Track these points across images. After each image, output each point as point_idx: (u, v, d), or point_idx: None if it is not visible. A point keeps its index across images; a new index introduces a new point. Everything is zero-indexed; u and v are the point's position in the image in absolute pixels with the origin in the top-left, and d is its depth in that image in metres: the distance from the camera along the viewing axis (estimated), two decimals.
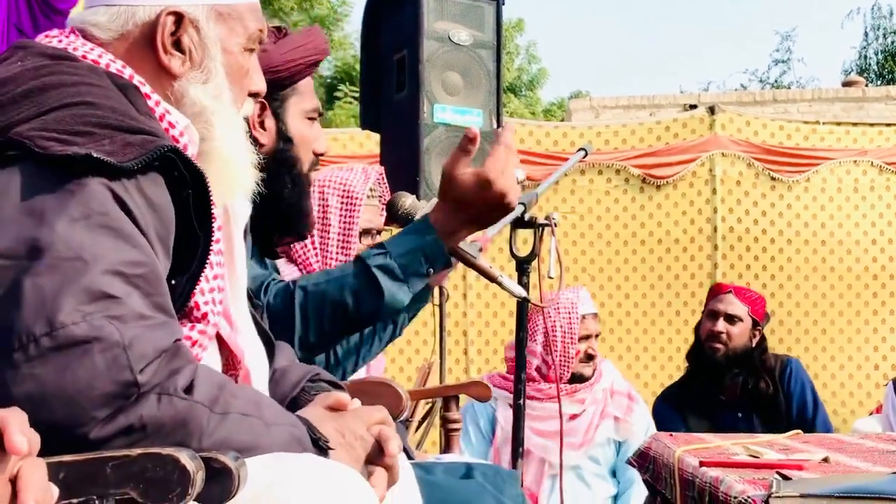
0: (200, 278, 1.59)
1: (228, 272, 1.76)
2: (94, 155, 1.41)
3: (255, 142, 2.42)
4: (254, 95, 1.82)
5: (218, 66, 1.70)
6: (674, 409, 4.97)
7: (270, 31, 2.47)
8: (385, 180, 3.53)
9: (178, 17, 1.67)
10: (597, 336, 4.47)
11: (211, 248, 1.58)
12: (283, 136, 2.49)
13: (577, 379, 4.34)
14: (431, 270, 2.29)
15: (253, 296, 1.95)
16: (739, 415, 4.81)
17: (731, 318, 4.87)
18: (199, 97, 1.68)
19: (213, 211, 1.57)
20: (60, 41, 1.67)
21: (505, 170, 2.31)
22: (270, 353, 1.91)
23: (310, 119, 2.54)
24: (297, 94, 2.51)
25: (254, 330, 1.84)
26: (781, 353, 5.25)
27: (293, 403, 1.84)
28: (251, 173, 1.76)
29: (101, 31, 1.68)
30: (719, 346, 4.84)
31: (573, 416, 4.28)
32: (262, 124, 2.48)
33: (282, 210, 2.43)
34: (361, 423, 1.66)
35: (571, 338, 4.40)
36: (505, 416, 4.38)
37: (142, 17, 1.67)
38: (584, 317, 4.45)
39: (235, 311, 1.77)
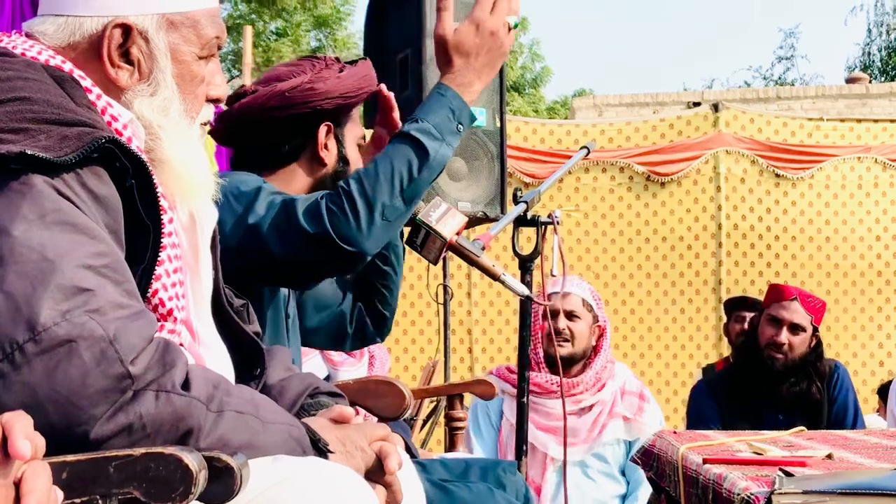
0: (159, 272, 1.56)
1: (192, 279, 1.73)
2: (29, 152, 1.38)
3: (321, 162, 2.58)
4: (214, 101, 1.77)
5: (167, 77, 1.66)
6: (712, 399, 4.84)
7: (332, 60, 2.61)
8: None
9: (126, 29, 1.63)
10: (571, 316, 4.34)
11: (163, 240, 1.55)
12: (343, 159, 2.60)
13: (565, 363, 4.25)
14: (461, 126, 2.39)
15: (234, 298, 1.93)
16: (781, 417, 4.68)
17: (796, 328, 4.67)
18: (143, 111, 1.64)
19: (160, 202, 1.54)
20: (1, 41, 1.63)
21: (494, 12, 2.42)
22: (254, 358, 1.87)
23: (359, 146, 2.67)
24: (352, 121, 2.64)
25: (218, 340, 1.79)
26: (829, 358, 5.07)
27: None
28: (206, 180, 1.72)
29: (48, 38, 1.64)
30: (779, 356, 4.66)
31: (576, 413, 4.26)
32: (326, 146, 2.58)
33: None
34: (363, 436, 1.65)
35: (535, 316, 4.37)
36: (511, 409, 4.36)
37: (88, 29, 1.63)
38: (549, 295, 4.39)
39: (198, 320, 1.72)
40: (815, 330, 4.72)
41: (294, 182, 2.57)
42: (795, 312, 4.63)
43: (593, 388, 4.28)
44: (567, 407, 4.13)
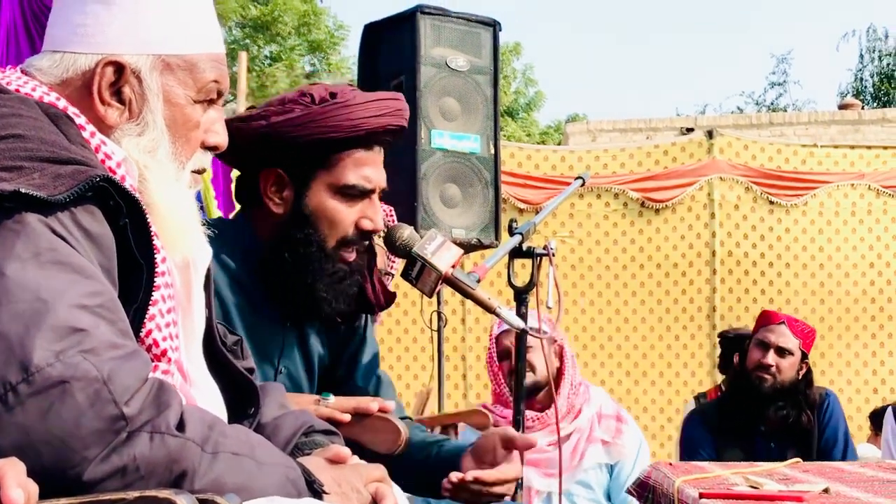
0: (153, 311, 1.55)
1: (184, 319, 1.71)
2: (23, 191, 1.37)
3: (270, 210, 2.35)
4: (212, 149, 1.74)
5: (157, 119, 1.64)
6: (705, 430, 4.88)
7: (327, 95, 2.34)
8: (394, 220, 3.49)
9: (119, 67, 1.62)
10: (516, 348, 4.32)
11: (156, 279, 1.54)
12: (298, 209, 2.37)
13: (531, 392, 4.21)
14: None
15: (227, 336, 1.91)
16: (772, 445, 4.70)
17: (783, 352, 4.71)
18: (131, 150, 1.62)
19: (154, 241, 1.53)
20: None
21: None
22: (248, 396, 1.85)
23: (346, 195, 2.38)
24: (327, 169, 2.37)
25: (210, 380, 1.77)
26: (819, 386, 5.11)
27: None
28: (192, 230, 1.69)
29: (43, 75, 1.63)
30: (767, 377, 4.71)
31: (553, 444, 4.22)
32: (279, 192, 2.38)
33: (290, 286, 2.37)
34: (360, 477, 1.63)
35: (490, 360, 4.38)
36: None
37: (82, 66, 1.62)
38: (498, 337, 4.39)
39: (189, 361, 1.70)
40: (805, 357, 4.75)
41: (260, 224, 2.40)
42: (783, 336, 4.70)
43: (569, 416, 4.25)
44: (544, 438, 4.12)
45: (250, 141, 2.30)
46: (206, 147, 1.73)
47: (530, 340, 4.27)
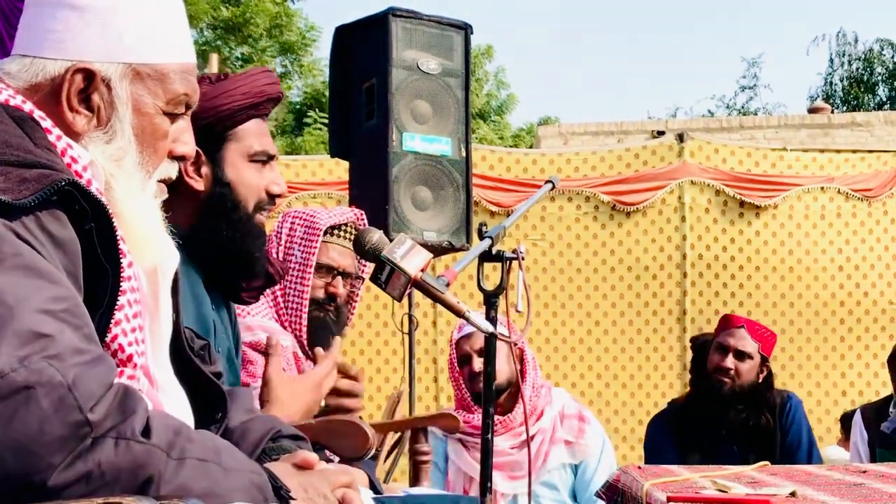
0: (119, 316, 1.55)
1: (152, 324, 1.71)
2: None
3: (190, 189, 2.47)
4: (179, 159, 1.77)
5: (125, 127, 1.64)
6: (668, 433, 4.92)
7: (217, 75, 2.55)
8: (365, 223, 3.51)
9: (89, 75, 1.62)
10: (479, 352, 4.31)
11: (122, 284, 1.53)
12: (218, 181, 2.51)
13: (494, 394, 4.21)
14: None
15: (195, 340, 1.92)
16: (735, 448, 4.75)
17: (742, 355, 4.76)
18: (97, 157, 1.62)
19: (120, 245, 1.53)
20: None
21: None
22: (215, 401, 1.85)
23: (255, 162, 2.54)
24: (239, 138, 2.53)
25: (177, 385, 1.77)
26: (782, 389, 5.17)
27: None
28: (159, 239, 1.70)
29: (11, 79, 1.63)
30: (727, 380, 4.76)
31: (518, 446, 4.23)
32: (198, 171, 2.49)
33: (226, 253, 2.46)
34: (327, 483, 1.63)
35: (451, 366, 4.39)
36: (455, 451, 4.36)
37: (51, 72, 1.62)
38: (458, 342, 4.39)
39: (156, 366, 1.71)
40: (765, 360, 4.81)
41: (179, 211, 2.43)
42: (742, 339, 4.78)
43: (531, 418, 4.25)
44: (507, 441, 4.14)
45: None
46: (174, 157, 1.73)
47: (466, 346, 4.30)
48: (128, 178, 1.64)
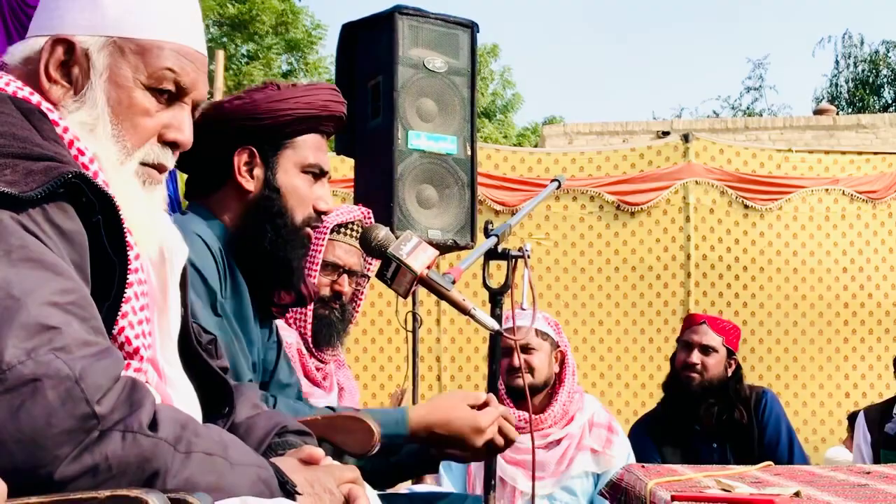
0: (126, 309, 1.54)
1: (160, 317, 1.71)
2: None
3: (242, 188, 2.47)
4: (172, 146, 1.73)
5: (98, 96, 1.64)
6: (648, 437, 4.97)
7: (287, 84, 2.52)
8: (371, 221, 3.51)
9: (70, 47, 1.64)
10: (526, 349, 4.31)
11: (129, 276, 1.53)
12: (269, 185, 2.49)
13: (529, 393, 4.22)
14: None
15: (202, 335, 1.91)
16: (714, 445, 4.82)
17: (706, 349, 4.88)
18: (72, 126, 1.61)
19: (127, 237, 1.53)
20: None
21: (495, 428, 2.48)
22: (222, 396, 1.85)
23: (307, 174, 2.52)
24: (295, 147, 2.51)
25: (185, 378, 1.77)
26: (757, 385, 5.25)
27: None
28: (151, 223, 1.68)
29: (12, 60, 1.67)
30: (694, 375, 4.86)
31: (544, 447, 4.24)
32: (243, 171, 2.48)
33: (266, 258, 2.44)
34: (332, 478, 1.63)
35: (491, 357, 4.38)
36: None
37: (36, 46, 1.66)
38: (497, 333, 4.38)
39: (164, 359, 1.70)
40: (732, 354, 4.90)
41: (223, 209, 2.49)
42: (704, 334, 4.91)
43: (561, 422, 4.27)
44: (535, 441, 4.13)
45: (228, 118, 2.44)
46: (166, 142, 1.71)
47: (534, 342, 4.30)
48: (103, 150, 1.63)
